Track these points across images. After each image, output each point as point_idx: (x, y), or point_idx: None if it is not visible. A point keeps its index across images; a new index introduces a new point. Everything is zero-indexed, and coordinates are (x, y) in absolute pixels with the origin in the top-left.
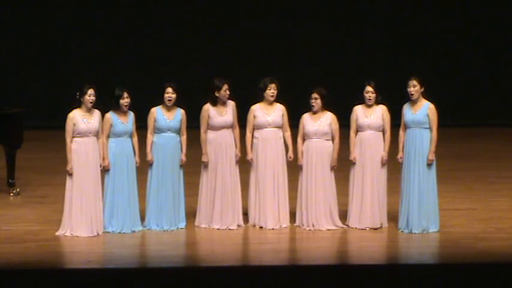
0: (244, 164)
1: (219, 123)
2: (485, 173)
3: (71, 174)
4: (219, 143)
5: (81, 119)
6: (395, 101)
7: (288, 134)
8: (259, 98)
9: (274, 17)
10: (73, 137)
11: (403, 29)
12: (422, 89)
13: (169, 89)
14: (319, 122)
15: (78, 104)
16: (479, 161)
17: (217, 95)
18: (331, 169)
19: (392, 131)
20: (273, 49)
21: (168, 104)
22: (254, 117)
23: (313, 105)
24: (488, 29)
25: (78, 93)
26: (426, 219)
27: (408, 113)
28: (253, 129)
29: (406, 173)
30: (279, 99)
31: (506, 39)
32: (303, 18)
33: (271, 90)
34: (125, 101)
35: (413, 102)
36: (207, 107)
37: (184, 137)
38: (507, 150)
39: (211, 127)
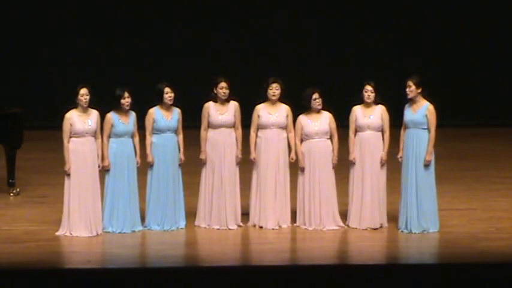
0: (246, 164)
1: (217, 122)
2: (485, 173)
3: (69, 175)
4: (217, 142)
5: (78, 120)
6: (396, 101)
7: (292, 134)
8: (264, 97)
9: (275, 16)
10: (70, 137)
11: (404, 29)
12: (419, 90)
13: (168, 89)
14: (320, 122)
15: (75, 105)
16: (479, 161)
17: (215, 91)
18: (333, 167)
19: (392, 130)
20: (274, 49)
21: (169, 104)
22: (258, 117)
23: (319, 105)
24: (489, 29)
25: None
26: (425, 219)
27: (408, 113)
28: (257, 129)
29: (405, 173)
30: (284, 98)
31: (507, 39)
32: (305, 17)
33: (273, 90)
34: (126, 100)
35: (413, 102)
36: (208, 104)
37: (181, 136)
38: (507, 150)
39: (210, 125)
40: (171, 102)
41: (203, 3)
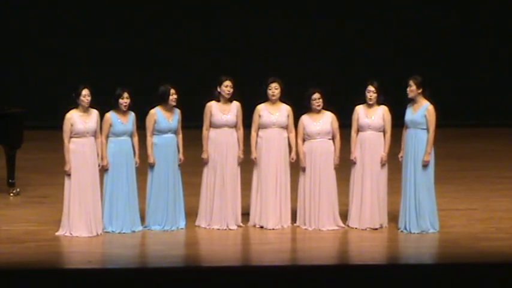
0: (247, 164)
1: (220, 122)
2: (485, 173)
3: (69, 175)
4: (219, 142)
5: (79, 120)
6: (398, 101)
7: (293, 135)
8: (264, 97)
9: (276, 16)
10: (71, 137)
11: (405, 28)
12: (419, 90)
13: (173, 91)
14: (321, 122)
15: (75, 105)
16: (479, 161)
17: (218, 90)
18: (334, 168)
19: (394, 131)
20: (275, 48)
21: (173, 105)
22: (259, 116)
23: (318, 105)
24: (489, 28)
25: (74, 94)
26: (424, 220)
27: (408, 112)
28: (258, 129)
29: (404, 173)
30: (285, 98)
31: (507, 39)
32: (307, 16)
33: (272, 90)
34: (124, 101)
35: (414, 102)
36: (210, 104)
37: (180, 136)
38: (507, 150)
39: (212, 125)
40: (175, 104)
41: (203, 3)
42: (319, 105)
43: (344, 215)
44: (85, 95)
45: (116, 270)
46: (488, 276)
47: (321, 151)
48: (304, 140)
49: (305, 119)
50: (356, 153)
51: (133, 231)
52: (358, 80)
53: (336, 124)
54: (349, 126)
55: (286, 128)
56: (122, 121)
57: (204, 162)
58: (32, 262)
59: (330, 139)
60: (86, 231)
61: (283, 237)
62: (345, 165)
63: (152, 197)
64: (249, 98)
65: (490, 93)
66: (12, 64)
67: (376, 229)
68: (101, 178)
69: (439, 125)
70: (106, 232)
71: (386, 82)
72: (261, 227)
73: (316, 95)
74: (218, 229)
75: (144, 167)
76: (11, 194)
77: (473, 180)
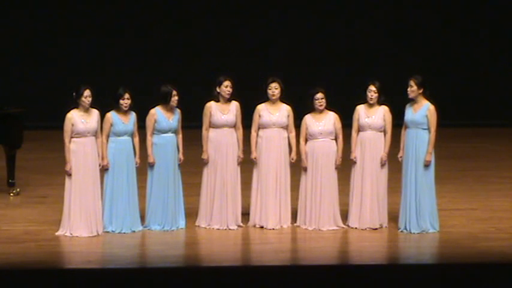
0: (247, 164)
1: (220, 122)
2: (485, 173)
3: (70, 175)
4: (219, 142)
5: (80, 120)
6: (398, 101)
7: (293, 135)
8: (265, 97)
9: (277, 15)
10: (72, 137)
11: (405, 28)
12: (420, 90)
13: (175, 92)
14: (324, 122)
15: (75, 104)
16: (479, 161)
17: (218, 90)
18: (335, 168)
19: (395, 131)
20: (276, 48)
21: (174, 106)
22: (259, 116)
23: (320, 105)
24: (488, 28)
25: (74, 94)
26: (424, 220)
27: (409, 112)
28: (258, 129)
29: (404, 173)
30: (284, 99)
31: (506, 38)
32: (307, 16)
33: (272, 90)
34: (125, 101)
35: (414, 102)
36: (210, 104)
37: (180, 136)
38: (507, 150)
39: (212, 125)
40: (175, 105)
41: (203, 4)
42: (321, 105)
43: (344, 215)
44: (86, 96)
45: (116, 270)
46: (488, 276)
47: (323, 151)
48: (306, 140)
49: (308, 118)
50: (356, 153)
51: (133, 231)
52: (359, 80)
53: (339, 124)
54: (349, 126)
55: (286, 128)
56: (123, 121)
57: (204, 163)
58: (32, 262)
59: (332, 139)
60: (86, 231)
61: (283, 237)
62: (345, 165)
63: (152, 196)
64: (249, 98)
65: (490, 94)
66: (12, 64)
67: (376, 229)
68: (101, 178)
69: (440, 124)
70: (106, 232)
71: (388, 82)
72: (261, 227)
73: (319, 95)
74: (218, 229)
75: (144, 167)
76: (11, 194)
77: (473, 180)
